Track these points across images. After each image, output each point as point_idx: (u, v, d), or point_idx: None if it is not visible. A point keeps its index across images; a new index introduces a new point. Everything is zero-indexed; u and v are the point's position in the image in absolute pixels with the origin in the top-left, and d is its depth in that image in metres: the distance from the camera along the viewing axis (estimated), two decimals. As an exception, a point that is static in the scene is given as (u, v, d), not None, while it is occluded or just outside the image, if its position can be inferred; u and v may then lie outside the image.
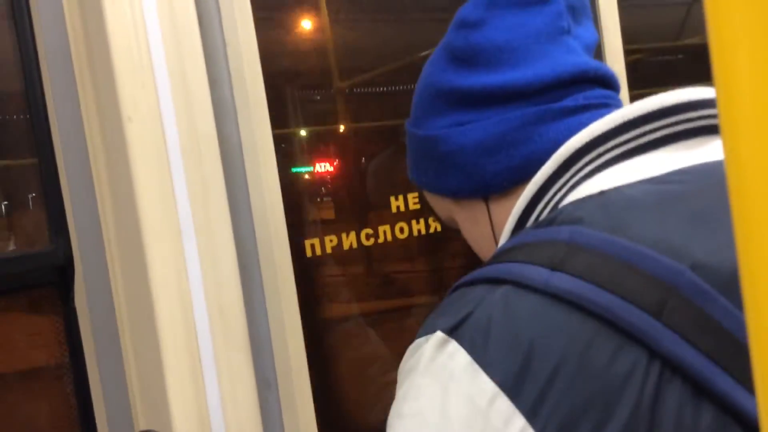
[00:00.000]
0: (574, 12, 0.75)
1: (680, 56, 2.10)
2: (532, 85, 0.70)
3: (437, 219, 0.89)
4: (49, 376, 1.19)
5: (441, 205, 0.83)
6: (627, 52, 1.55)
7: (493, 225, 0.75)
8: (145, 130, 1.03)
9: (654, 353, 0.49)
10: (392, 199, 1.50)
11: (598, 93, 0.72)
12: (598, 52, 1.48)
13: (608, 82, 0.74)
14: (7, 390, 1.20)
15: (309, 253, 1.38)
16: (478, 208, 0.76)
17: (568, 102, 0.70)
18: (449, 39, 0.75)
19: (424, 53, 1.80)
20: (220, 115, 1.13)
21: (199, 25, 1.10)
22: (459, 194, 0.77)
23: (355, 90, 1.93)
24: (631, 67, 1.58)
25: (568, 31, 0.72)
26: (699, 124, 0.64)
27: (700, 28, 2.23)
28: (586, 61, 0.72)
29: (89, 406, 1.13)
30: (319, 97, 1.98)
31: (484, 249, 0.79)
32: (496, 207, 0.74)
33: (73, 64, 1.11)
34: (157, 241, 1.04)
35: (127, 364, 1.13)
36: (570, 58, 0.71)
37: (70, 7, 1.11)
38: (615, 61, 1.52)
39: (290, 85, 1.69)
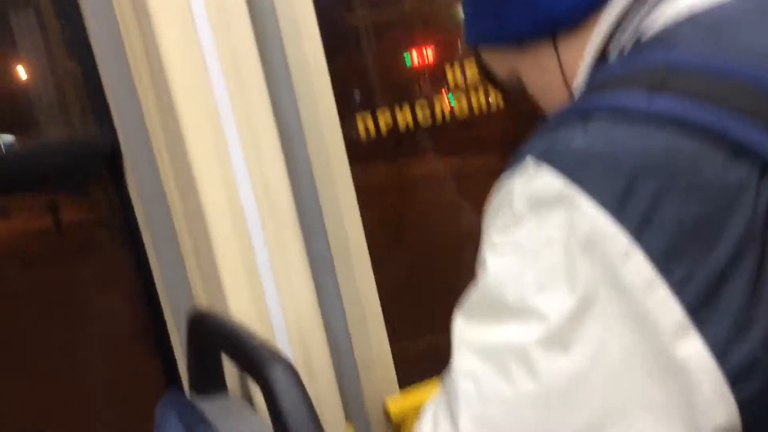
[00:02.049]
0: None
1: None
2: None
3: (496, 86, 0.81)
4: (111, 261, 1.22)
5: (501, 60, 0.76)
6: None
7: (564, 69, 0.68)
8: (172, 8, 0.99)
9: (767, 166, 0.46)
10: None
11: None
12: None
13: None
14: (74, 271, 1.25)
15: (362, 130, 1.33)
16: (544, 52, 0.69)
17: None
18: None
19: None
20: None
21: None
22: (523, 37, 0.70)
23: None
24: None
25: None
26: None
27: None
28: None
29: (152, 287, 1.16)
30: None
31: (555, 100, 0.72)
32: (566, 46, 0.67)
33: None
34: (195, 122, 1.02)
35: (183, 247, 1.14)
36: None
37: None
38: None
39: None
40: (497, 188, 0.55)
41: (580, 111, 0.52)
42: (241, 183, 1.05)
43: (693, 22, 0.55)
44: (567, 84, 0.69)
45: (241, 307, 1.05)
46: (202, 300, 1.15)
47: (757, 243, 0.45)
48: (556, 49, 0.68)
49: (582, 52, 0.65)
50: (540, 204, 0.50)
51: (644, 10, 0.59)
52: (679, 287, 0.45)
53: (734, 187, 0.46)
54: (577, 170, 0.48)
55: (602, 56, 0.63)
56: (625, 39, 0.60)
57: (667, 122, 0.47)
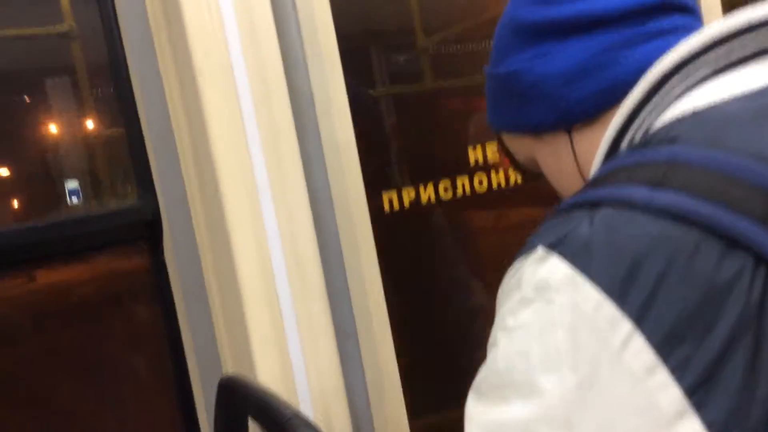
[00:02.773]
0: None
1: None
2: (615, 11, 0.69)
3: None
4: (142, 322, 1.26)
5: (521, 145, 0.82)
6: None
7: (577, 158, 0.74)
8: (217, 82, 1.06)
9: (760, 259, 0.49)
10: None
11: (680, 18, 0.71)
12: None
13: (689, 8, 0.72)
14: (107, 336, 1.28)
15: (387, 207, 1.39)
16: (561, 142, 0.75)
17: (652, 26, 0.69)
18: None
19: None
20: (289, 65, 1.15)
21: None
22: (541, 128, 0.76)
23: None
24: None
25: None
26: None
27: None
28: None
29: (181, 351, 1.20)
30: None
31: (569, 186, 0.78)
32: (580, 138, 0.73)
33: (151, 26, 1.16)
34: (234, 193, 1.07)
35: (215, 312, 1.18)
36: None
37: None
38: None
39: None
40: (509, 273, 0.59)
41: (588, 201, 0.57)
42: (274, 255, 1.09)
43: (695, 120, 0.59)
44: (580, 172, 0.75)
45: (268, 373, 1.08)
46: (228, 363, 1.18)
47: (752, 329, 0.48)
48: (571, 141, 0.74)
49: (595, 143, 0.70)
50: (547, 289, 0.53)
51: (653, 109, 0.64)
52: (678, 371, 0.48)
53: (729, 277, 0.48)
54: (583, 258, 0.52)
55: (614, 147, 0.67)
56: (635, 133, 0.65)
57: (668, 215, 0.51)
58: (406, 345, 1.39)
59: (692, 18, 0.72)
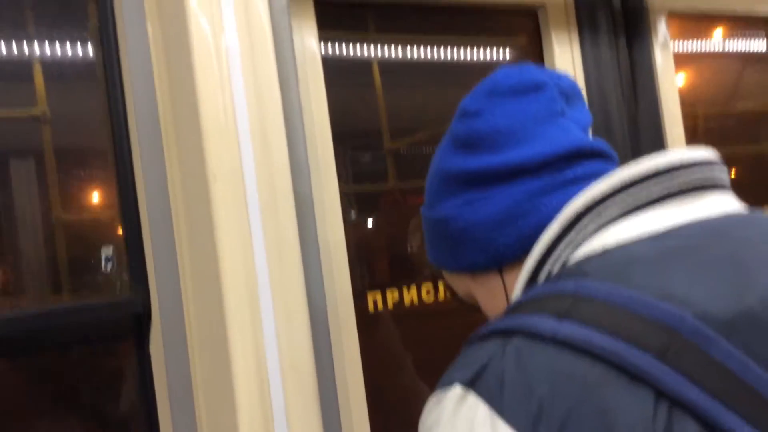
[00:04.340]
0: (567, 97, 0.81)
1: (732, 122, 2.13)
2: (534, 161, 0.74)
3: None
4: (121, 421, 1.22)
5: (459, 282, 0.87)
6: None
7: (508, 295, 0.79)
8: (228, 188, 1.08)
9: (660, 393, 0.51)
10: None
11: (595, 164, 0.76)
12: (657, 117, 1.52)
13: (605, 155, 0.78)
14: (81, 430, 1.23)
15: (371, 309, 1.41)
16: (493, 280, 0.81)
17: (568, 173, 0.75)
18: (453, 128, 0.81)
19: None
20: (296, 174, 1.18)
21: (280, 90, 1.16)
22: (474, 269, 0.81)
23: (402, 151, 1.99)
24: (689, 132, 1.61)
25: (562, 113, 0.78)
26: (692, 182, 0.68)
27: (750, 94, 2.26)
28: (582, 137, 0.78)
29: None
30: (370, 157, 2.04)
31: (499, 311, 0.82)
32: (510, 276, 0.78)
33: (161, 123, 1.17)
34: (235, 295, 1.07)
35: (199, 414, 1.16)
36: (566, 136, 0.76)
37: (159, 69, 1.18)
38: (674, 125, 1.55)
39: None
40: (428, 406, 0.63)
41: (500, 330, 0.61)
42: (270, 362, 1.09)
43: (604, 257, 0.63)
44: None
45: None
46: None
47: None
48: (502, 278, 0.79)
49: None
50: (465, 429, 0.57)
51: (568, 245, 0.69)
52: None
53: (632, 414, 0.51)
54: (497, 397, 0.56)
55: (534, 279, 0.72)
56: (553, 266, 0.70)
57: (572, 348, 0.54)
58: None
59: (607, 163, 0.78)
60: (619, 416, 0.51)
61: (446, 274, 0.89)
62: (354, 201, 1.81)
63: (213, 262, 1.08)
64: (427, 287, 1.52)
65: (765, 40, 2.16)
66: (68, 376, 1.22)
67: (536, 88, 0.78)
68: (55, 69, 1.42)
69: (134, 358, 1.18)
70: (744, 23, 2.05)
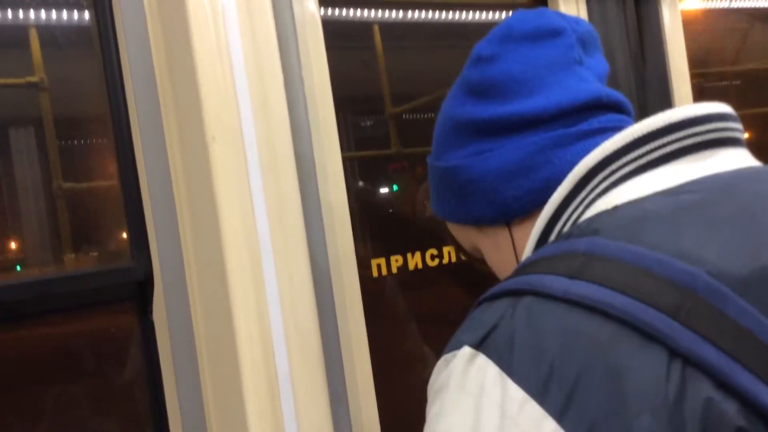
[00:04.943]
0: (585, 45, 0.78)
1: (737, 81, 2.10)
2: (548, 112, 0.73)
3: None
4: (125, 387, 1.22)
5: (464, 234, 0.86)
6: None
7: (516, 249, 0.78)
8: (228, 149, 1.06)
9: (674, 353, 0.51)
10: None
11: (612, 117, 0.75)
12: (664, 75, 1.49)
13: (621, 107, 0.77)
14: (85, 397, 1.23)
15: (375, 273, 1.40)
16: (500, 234, 0.79)
17: (583, 126, 0.73)
18: (466, 74, 0.79)
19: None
20: (296, 136, 1.16)
21: (279, 51, 1.13)
22: (481, 221, 0.80)
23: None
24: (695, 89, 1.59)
25: (580, 62, 0.76)
26: (706, 137, 0.66)
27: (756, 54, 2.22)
28: (599, 87, 0.75)
29: (164, 421, 1.16)
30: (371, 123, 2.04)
31: (507, 272, 0.80)
32: (518, 231, 0.77)
33: (158, 86, 1.15)
34: (237, 258, 1.06)
35: (204, 379, 1.15)
36: (583, 86, 0.74)
37: (155, 31, 1.15)
38: (682, 83, 1.52)
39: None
40: (437, 369, 0.62)
41: (510, 290, 0.60)
42: (273, 322, 1.09)
43: (616, 215, 0.62)
44: (518, 261, 0.78)
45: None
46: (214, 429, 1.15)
47: (671, 421, 0.49)
48: (510, 233, 0.78)
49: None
50: (475, 390, 0.56)
51: (579, 203, 0.67)
52: None
53: (645, 373, 0.50)
54: (507, 358, 0.55)
55: (544, 238, 0.71)
56: (564, 226, 0.69)
57: (584, 306, 0.54)
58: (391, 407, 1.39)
59: (624, 116, 0.76)
60: (632, 375, 0.50)
61: (451, 227, 0.87)
62: (356, 166, 1.80)
63: (214, 226, 1.06)
64: (432, 252, 1.51)
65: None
66: (72, 344, 1.22)
67: (553, 33, 0.76)
68: (51, 35, 1.40)
69: (138, 326, 1.17)
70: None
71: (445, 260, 1.51)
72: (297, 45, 1.23)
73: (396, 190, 1.81)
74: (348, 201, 1.28)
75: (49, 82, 1.43)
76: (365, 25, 1.91)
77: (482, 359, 0.56)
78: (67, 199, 1.38)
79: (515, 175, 0.73)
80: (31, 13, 1.40)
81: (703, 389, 0.50)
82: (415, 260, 1.48)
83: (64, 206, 1.38)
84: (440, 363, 0.62)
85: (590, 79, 0.76)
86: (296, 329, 1.11)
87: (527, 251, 0.72)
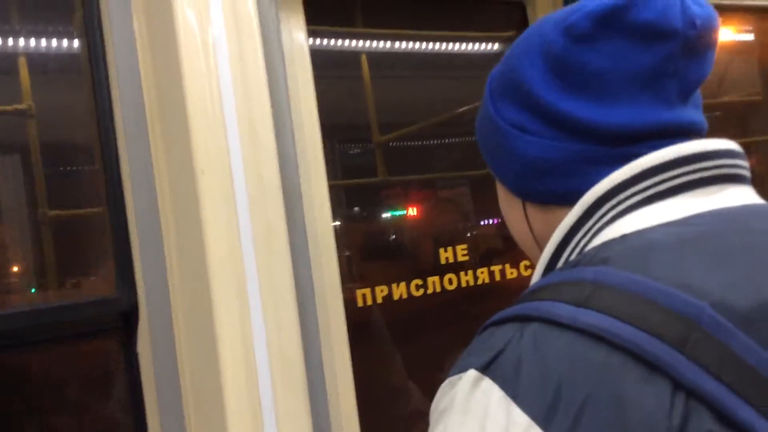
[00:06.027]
0: (692, 50, 0.69)
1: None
2: (611, 130, 0.68)
3: None
4: (109, 418, 1.21)
5: (497, 183, 0.83)
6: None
7: (532, 229, 0.77)
8: (216, 181, 1.07)
9: (678, 385, 0.51)
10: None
11: (668, 143, 0.69)
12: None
13: (690, 132, 0.71)
14: (69, 428, 1.22)
15: (360, 303, 1.40)
16: (516, 202, 0.78)
17: (634, 151, 0.68)
18: (552, 37, 0.71)
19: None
20: (283, 166, 1.17)
21: (268, 82, 1.14)
22: (503, 182, 0.79)
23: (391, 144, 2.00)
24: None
25: (674, 74, 0.69)
26: (715, 172, 0.66)
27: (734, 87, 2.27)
28: (671, 114, 0.70)
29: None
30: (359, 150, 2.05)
31: (519, 236, 0.81)
32: (533, 212, 0.76)
33: (147, 116, 1.16)
34: (223, 288, 1.06)
35: (187, 409, 1.15)
36: (656, 109, 0.69)
37: (145, 61, 1.16)
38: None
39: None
40: (442, 390, 0.62)
41: (518, 316, 0.60)
42: (258, 352, 1.08)
43: (622, 245, 0.62)
44: (532, 235, 0.77)
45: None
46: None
47: None
48: (525, 210, 0.77)
49: (545, 225, 0.74)
50: (479, 413, 0.56)
51: (587, 232, 0.67)
52: None
53: (649, 404, 0.50)
54: (513, 382, 0.54)
55: (553, 264, 0.70)
56: (571, 253, 0.68)
57: (591, 335, 0.53)
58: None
59: (686, 140, 0.70)
60: (636, 405, 0.50)
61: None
62: (344, 195, 1.81)
63: (201, 258, 1.07)
64: (417, 282, 1.51)
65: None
66: (56, 375, 1.21)
67: (662, 37, 0.67)
68: (40, 63, 1.41)
69: (122, 357, 1.17)
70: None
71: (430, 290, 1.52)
72: (285, 75, 1.24)
73: (394, 215, 1.82)
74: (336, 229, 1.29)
75: (37, 109, 1.43)
76: (353, 55, 1.93)
77: (487, 383, 0.56)
78: (53, 227, 1.38)
79: (546, 173, 0.72)
80: (21, 41, 1.40)
81: (704, 422, 0.50)
82: (400, 290, 1.49)
83: (50, 233, 1.38)
84: (445, 385, 0.61)
85: (672, 96, 0.70)
86: (281, 358, 1.10)
87: (537, 274, 0.72)
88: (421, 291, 1.51)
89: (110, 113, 1.17)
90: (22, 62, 1.40)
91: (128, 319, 1.16)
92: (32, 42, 1.40)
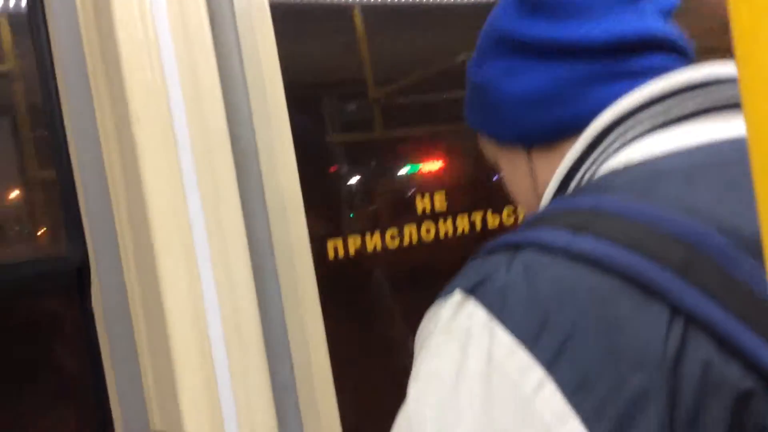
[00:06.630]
0: None
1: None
2: (592, 43, 0.67)
3: (488, 160, 0.87)
4: (66, 374, 1.20)
5: (489, 149, 0.82)
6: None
7: (536, 179, 0.74)
8: (154, 130, 1.03)
9: (676, 310, 0.48)
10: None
11: (659, 57, 0.69)
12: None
13: (674, 47, 0.70)
14: (27, 389, 1.22)
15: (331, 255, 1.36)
16: (519, 157, 0.76)
17: (624, 65, 0.68)
18: None
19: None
20: (233, 116, 1.12)
21: (211, 27, 1.09)
22: (502, 140, 0.77)
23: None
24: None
25: None
26: (727, 99, 0.63)
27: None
28: (655, 24, 0.69)
29: (106, 406, 1.13)
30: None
31: (522, 198, 0.79)
32: (539, 159, 0.74)
33: (87, 66, 1.12)
34: (168, 242, 1.03)
35: (143, 365, 1.13)
36: (639, 20, 0.68)
37: (85, 11, 1.12)
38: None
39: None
40: (427, 316, 0.58)
41: (511, 244, 0.57)
42: (208, 305, 1.05)
43: (627, 173, 0.60)
44: (536, 189, 0.75)
45: (197, 430, 1.03)
46: (156, 418, 1.12)
47: (667, 382, 0.47)
48: (529, 159, 0.74)
49: (551, 167, 0.70)
50: (462, 334, 0.53)
51: (595, 159, 0.65)
52: (590, 421, 0.47)
53: (644, 329, 0.48)
54: (498, 304, 0.52)
55: (564, 186, 0.68)
56: (580, 182, 0.66)
57: (585, 261, 0.51)
58: (349, 397, 1.35)
59: (675, 58, 0.70)
60: (629, 331, 0.48)
61: (480, 137, 0.83)
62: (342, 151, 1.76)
63: (143, 208, 1.03)
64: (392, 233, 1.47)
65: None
66: (14, 333, 1.21)
67: None
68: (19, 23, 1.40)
69: (78, 314, 1.15)
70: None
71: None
72: (235, 23, 1.18)
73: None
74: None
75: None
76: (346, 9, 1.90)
77: (472, 304, 0.53)
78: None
79: (540, 104, 0.70)
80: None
81: (703, 350, 0.47)
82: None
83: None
84: (431, 310, 0.59)
85: (651, 13, 0.70)
86: (234, 315, 1.07)
87: (543, 203, 0.69)
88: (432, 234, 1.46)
89: (51, 69, 1.14)
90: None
91: (80, 276, 1.14)
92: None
